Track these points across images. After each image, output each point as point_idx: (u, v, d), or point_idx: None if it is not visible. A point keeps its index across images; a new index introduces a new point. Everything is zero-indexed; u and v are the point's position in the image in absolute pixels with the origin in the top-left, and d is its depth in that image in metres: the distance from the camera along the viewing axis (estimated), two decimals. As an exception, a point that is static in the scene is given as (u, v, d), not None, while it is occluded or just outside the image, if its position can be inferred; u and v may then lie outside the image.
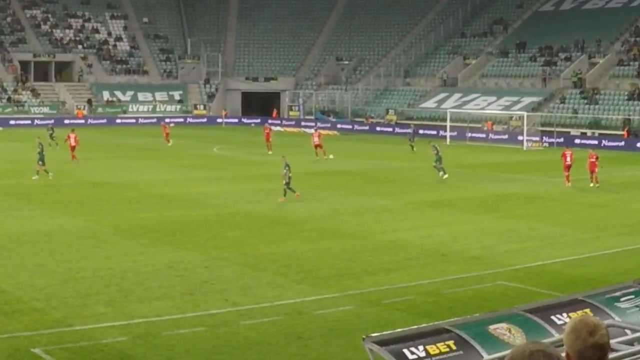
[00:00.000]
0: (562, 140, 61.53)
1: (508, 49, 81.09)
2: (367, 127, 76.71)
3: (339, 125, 78.10)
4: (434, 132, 69.57)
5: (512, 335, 9.30)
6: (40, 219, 28.43)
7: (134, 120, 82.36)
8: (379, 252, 23.74)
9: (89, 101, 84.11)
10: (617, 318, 9.87)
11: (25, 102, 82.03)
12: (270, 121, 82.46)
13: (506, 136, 65.30)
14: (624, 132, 63.30)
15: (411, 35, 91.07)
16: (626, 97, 67.55)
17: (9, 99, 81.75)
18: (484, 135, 66.64)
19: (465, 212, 31.19)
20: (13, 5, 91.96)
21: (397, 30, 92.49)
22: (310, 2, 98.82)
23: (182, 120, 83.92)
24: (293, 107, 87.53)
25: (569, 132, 65.34)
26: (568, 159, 38.54)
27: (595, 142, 60.90)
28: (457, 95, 77.04)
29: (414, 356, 8.63)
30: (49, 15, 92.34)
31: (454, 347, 8.90)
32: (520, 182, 40.41)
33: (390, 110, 79.19)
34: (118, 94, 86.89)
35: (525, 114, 64.89)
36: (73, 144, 46.16)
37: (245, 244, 24.77)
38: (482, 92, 76.03)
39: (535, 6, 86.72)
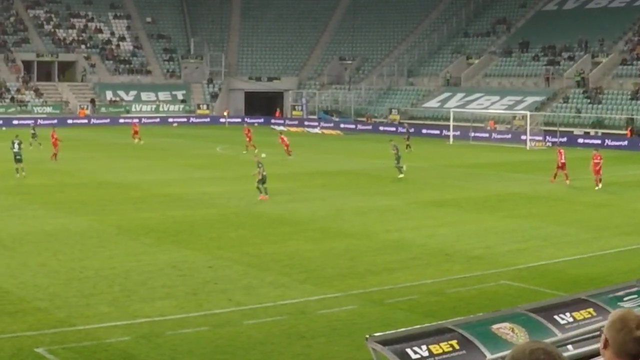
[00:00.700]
0: (565, 139, 61.54)
1: (511, 48, 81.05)
2: (370, 127, 76.69)
3: (342, 125, 78.11)
4: (437, 132, 69.62)
5: (515, 335, 9.30)
6: (43, 219, 28.46)
7: (137, 120, 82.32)
8: (382, 252, 23.75)
9: (92, 101, 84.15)
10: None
11: (28, 102, 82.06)
12: (273, 121, 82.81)
13: (509, 136, 65.27)
14: (627, 132, 63.24)
15: (414, 34, 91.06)
16: (629, 97, 67.49)
17: (12, 99, 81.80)
18: (487, 135, 66.60)
19: (468, 211, 31.19)
20: (16, 5, 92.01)
21: (400, 29, 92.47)
22: (314, 2, 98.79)
23: (185, 120, 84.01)
24: (296, 107, 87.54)
25: (572, 132, 65.30)
26: (561, 157, 38.72)
27: (599, 141, 60.85)
28: (460, 95, 77.02)
29: (417, 356, 8.63)
30: (52, 15, 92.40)
31: (457, 347, 8.90)
32: (523, 181, 40.38)
33: (393, 110, 79.19)
34: (121, 93, 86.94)
35: (528, 113, 64.86)
36: (54, 141, 45.92)
37: (249, 243, 24.78)
38: (485, 92, 76.01)
39: (538, 6, 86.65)
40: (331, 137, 70.76)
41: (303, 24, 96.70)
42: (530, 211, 31.36)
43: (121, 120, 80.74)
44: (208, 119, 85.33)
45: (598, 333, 8.11)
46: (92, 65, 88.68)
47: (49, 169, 42.84)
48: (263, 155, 44.23)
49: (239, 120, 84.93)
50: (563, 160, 38.70)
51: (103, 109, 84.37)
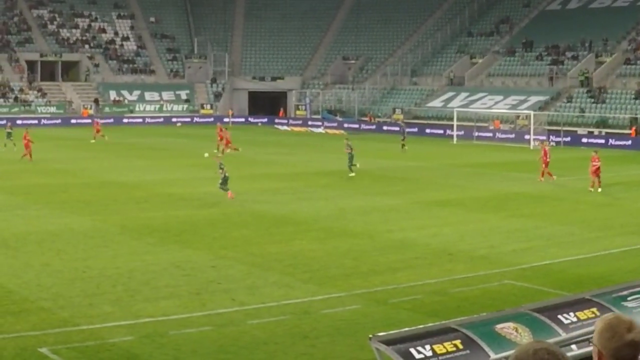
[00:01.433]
0: (569, 139, 61.49)
1: (515, 48, 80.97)
2: (373, 127, 76.66)
3: (345, 125, 78.08)
4: (441, 131, 69.61)
5: (519, 335, 9.29)
6: (46, 219, 28.47)
7: (140, 120, 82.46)
8: (386, 252, 23.73)
9: (96, 101, 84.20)
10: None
11: (32, 101, 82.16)
12: (277, 120, 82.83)
13: (513, 135, 65.22)
14: (631, 131, 63.14)
15: (418, 34, 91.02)
16: (633, 96, 67.40)
17: (15, 99, 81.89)
18: (490, 135, 66.56)
19: (472, 211, 31.15)
20: (20, 5, 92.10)
21: (404, 29, 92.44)
22: (317, 2, 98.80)
23: (189, 119, 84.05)
24: (300, 107, 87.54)
25: (575, 131, 65.22)
26: (546, 156, 38.91)
27: (602, 141, 60.81)
28: (463, 95, 76.98)
29: (421, 355, 8.63)
30: (56, 15, 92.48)
31: (460, 347, 8.90)
32: (527, 181, 40.33)
33: (397, 110, 79.14)
34: (125, 93, 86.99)
35: (532, 113, 64.80)
36: (26, 143, 45.74)
37: (252, 243, 24.77)
38: (488, 91, 75.97)
39: (541, 5, 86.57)
40: (335, 137, 70.72)
41: (307, 23, 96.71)
42: (533, 211, 31.32)
43: (125, 120, 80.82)
44: (212, 119, 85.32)
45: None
46: (96, 65, 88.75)
47: (52, 169, 42.88)
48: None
49: (243, 120, 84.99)
50: (548, 160, 38.90)
51: (107, 109, 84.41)
